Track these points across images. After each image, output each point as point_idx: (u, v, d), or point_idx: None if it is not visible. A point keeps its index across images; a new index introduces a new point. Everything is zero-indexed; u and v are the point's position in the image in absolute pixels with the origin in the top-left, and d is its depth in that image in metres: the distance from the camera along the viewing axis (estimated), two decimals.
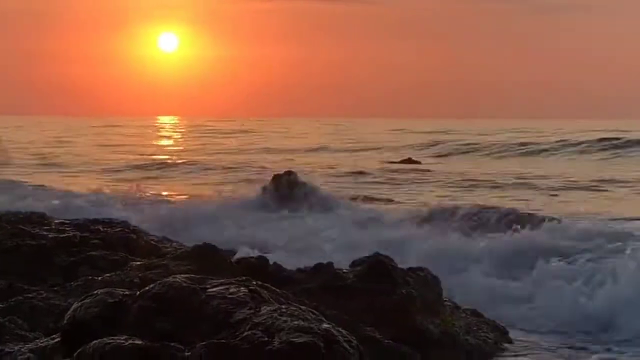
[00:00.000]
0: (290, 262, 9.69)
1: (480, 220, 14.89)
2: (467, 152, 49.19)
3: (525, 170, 34.30)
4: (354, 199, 21.51)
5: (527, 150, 48.20)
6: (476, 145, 51.01)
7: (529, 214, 15.55)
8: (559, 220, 14.32)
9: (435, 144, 54.26)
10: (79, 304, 6.65)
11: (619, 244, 12.36)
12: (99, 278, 8.63)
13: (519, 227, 13.09)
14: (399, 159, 44.44)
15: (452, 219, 15.27)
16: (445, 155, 48.19)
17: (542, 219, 14.27)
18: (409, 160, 43.58)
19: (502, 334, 9.27)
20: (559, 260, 11.73)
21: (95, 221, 11.54)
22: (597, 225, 14.35)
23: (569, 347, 9.22)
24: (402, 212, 17.34)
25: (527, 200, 22.35)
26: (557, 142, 50.56)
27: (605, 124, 77.86)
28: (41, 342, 6.82)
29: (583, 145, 47.63)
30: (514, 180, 29.32)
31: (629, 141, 47.44)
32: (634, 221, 16.73)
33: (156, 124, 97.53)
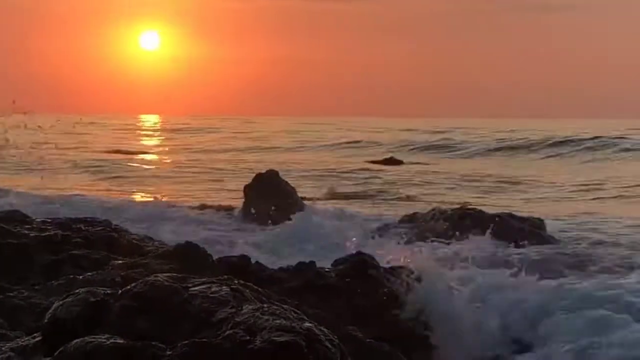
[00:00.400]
0: (273, 261, 9.72)
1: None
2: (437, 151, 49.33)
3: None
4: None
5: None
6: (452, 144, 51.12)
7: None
8: None
9: (411, 143, 54.33)
10: (61, 302, 6.64)
11: None
12: (81, 277, 8.62)
13: None
14: (381, 158, 44.58)
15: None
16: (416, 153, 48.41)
17: None
18: (391, 160, 43.70)
19: None
20: None
21: (77, 220, 11.50)
22: None
23: None
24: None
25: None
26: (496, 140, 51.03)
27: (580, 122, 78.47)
28: (22, 341, 6.80)
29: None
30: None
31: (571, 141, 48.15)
32: None
33: (126, 122, 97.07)
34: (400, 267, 9.04)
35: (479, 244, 12.62)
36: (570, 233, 15.32)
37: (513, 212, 14.14)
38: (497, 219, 13.28)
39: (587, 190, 26.89)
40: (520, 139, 51.41)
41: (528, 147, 48.31)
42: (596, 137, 49.09)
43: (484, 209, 14.69)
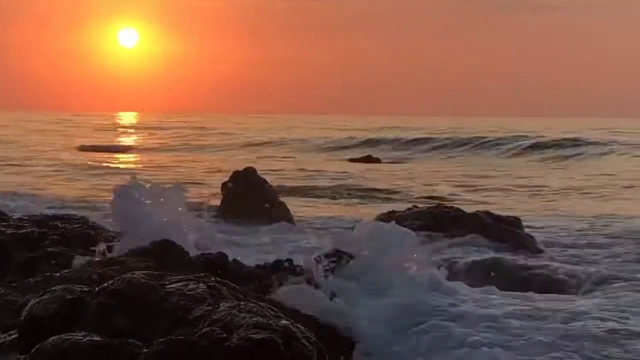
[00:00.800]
0: (250, 259, 9.70)
1: None
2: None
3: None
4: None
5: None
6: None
7: None
8: None
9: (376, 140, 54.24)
10: (37, 300, 6.63)
11: None
12: (58, 274, 8.59)
13: None
14: (359, 156, 44.63)
15: None
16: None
17: None
18: (369, 158, 43.75)
19: None
20: None
21: (54, 217, 11.48)
22: None
23: None
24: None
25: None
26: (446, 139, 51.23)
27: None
28: None
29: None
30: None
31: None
32: None
33: (97, 119, 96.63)
34: None
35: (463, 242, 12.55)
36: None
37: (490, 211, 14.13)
38: (475, 217, 13.29)
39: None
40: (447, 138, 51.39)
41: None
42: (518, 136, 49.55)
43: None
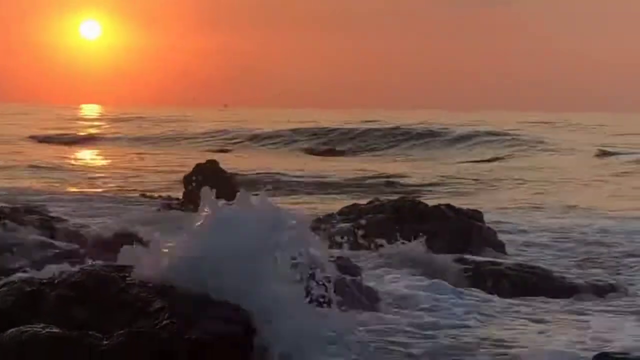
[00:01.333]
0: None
1: None
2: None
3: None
4: None
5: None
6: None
7: None
8: None
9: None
10: None
11: None
12: (17, 265, 8.54)
13: None
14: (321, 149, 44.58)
15: None
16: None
17: None
18: (331, 151, 43.77)
19: None
20: None
21: (15, 208, 11.41)
22: None
23: None
24: None
25: None
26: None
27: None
28: None
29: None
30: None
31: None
32: None
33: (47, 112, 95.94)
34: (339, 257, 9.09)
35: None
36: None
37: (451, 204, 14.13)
38: (436, 210, 13.27)
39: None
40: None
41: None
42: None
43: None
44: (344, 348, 6.86)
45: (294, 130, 50.88)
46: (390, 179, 27.93)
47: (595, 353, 6.99)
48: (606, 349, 7.25)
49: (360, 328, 7.72)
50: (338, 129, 50.69)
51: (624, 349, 7.30)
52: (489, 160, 37.67)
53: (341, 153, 43.62)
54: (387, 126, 51.18)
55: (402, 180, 27.66)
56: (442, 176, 28.89)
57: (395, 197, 15.56)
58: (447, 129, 48.83)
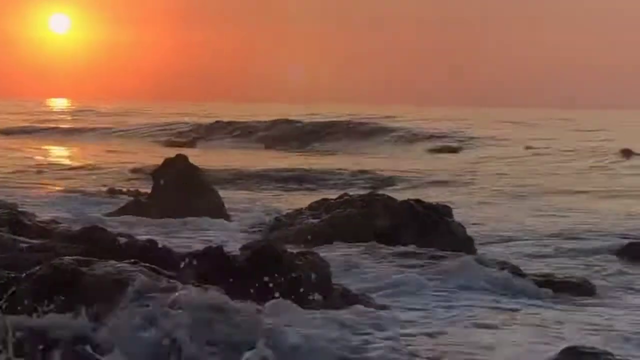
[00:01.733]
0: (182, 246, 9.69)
1: None
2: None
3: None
4: None
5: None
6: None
7: None
8: None
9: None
10: None
11: None
12: None
13: None
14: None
15: None
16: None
17: None
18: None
19: None
20: None
21: None
22: None
23: None
24: None
25: None
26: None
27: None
28: None
29: None
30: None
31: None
32: None
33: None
34: (308, 251, 9.08)
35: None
36: None
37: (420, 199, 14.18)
38: (405, 205, 13.31)
39: None
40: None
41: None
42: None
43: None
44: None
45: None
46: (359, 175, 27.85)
47: (563, 346, 7.04)
48: (572, 344, 7.30)
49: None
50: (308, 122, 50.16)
51: (590, 343, 7.35)
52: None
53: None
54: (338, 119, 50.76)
55: (370, 175, 27.58)
56: (413, 170, 28.89)
57: (364, 192, 15.63)
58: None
